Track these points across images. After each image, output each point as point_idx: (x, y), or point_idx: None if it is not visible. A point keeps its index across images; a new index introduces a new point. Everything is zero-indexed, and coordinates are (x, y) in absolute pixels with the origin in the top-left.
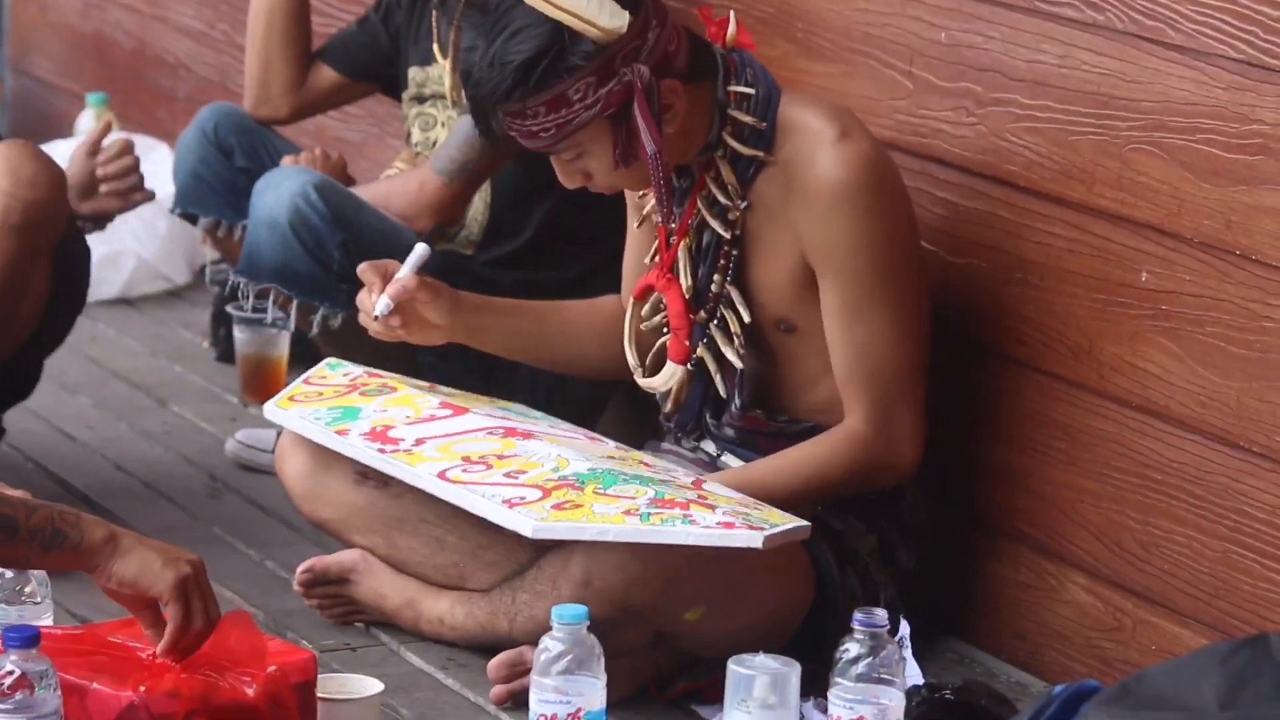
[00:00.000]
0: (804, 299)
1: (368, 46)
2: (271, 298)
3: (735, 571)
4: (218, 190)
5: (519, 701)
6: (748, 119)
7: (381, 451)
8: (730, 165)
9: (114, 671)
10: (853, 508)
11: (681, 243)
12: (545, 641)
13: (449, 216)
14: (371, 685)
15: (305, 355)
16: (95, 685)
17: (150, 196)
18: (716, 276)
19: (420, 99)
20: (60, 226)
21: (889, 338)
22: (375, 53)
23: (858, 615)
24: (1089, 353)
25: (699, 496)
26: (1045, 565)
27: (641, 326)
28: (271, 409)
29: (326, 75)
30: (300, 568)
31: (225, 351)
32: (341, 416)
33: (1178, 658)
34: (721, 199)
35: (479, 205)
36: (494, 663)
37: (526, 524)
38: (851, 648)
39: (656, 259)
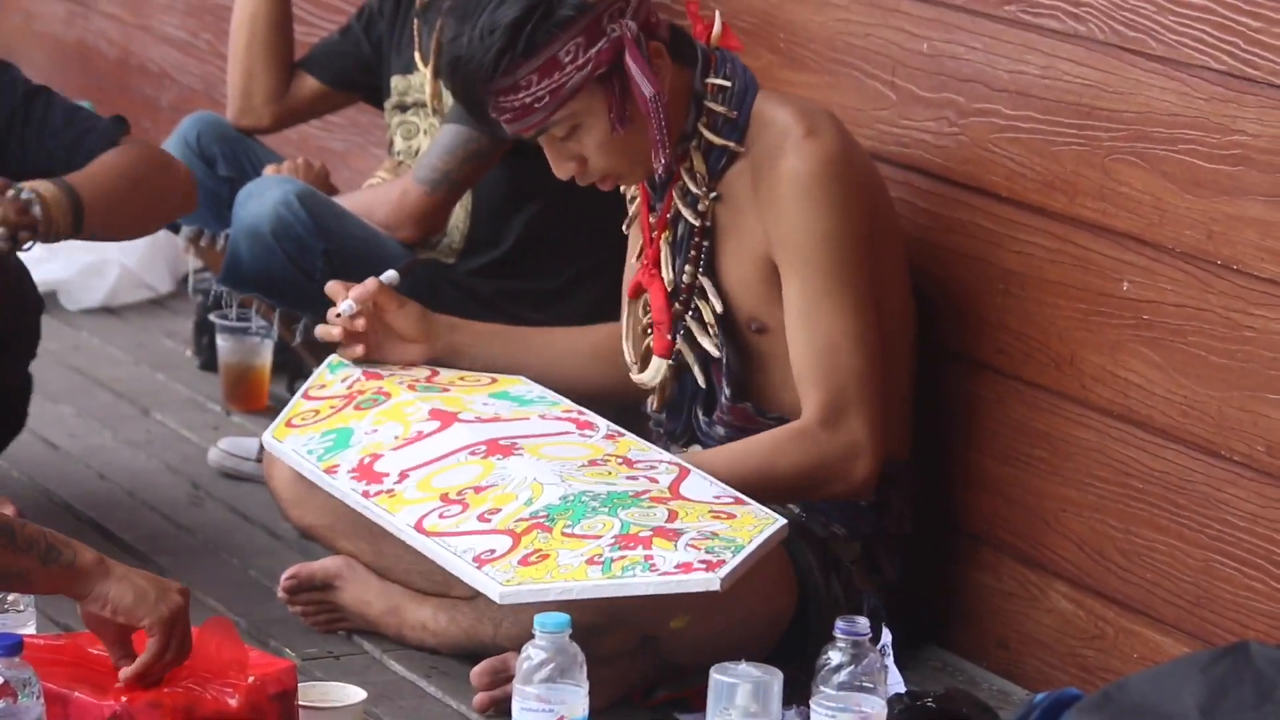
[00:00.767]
0: (772, 297)
1: (350, 55)
2: (254, 306)
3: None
4: (201, 199)
5: (502, 709)
6: (721, 109)
7: (366, 495)
8: (703, 155)
9: (96, 681)
10: (837, 515)
11: (662, 236)
12: (528, 649)
13: (431, 225)
14: (354, 693)
15: (288, 364)
16: (77, 694)
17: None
18: (689, 268)
19: (403, 107)
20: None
21: (844, 337)
22: (357, 61)
23: (840, 623)
24: (1071, 362)
25: (668, 517)
26: (1027, 574)
27: (645, 326)
28: (269, 441)
29: (309, 84)
30: (284, 574)
31: (208, 360)
32: (334, 447)
33: (1159, 666)
34: (693, 188)
35: (460, 214)
36: (477, 670)
37: (494, 589)
38: (834, 656)
39: (641, 256)
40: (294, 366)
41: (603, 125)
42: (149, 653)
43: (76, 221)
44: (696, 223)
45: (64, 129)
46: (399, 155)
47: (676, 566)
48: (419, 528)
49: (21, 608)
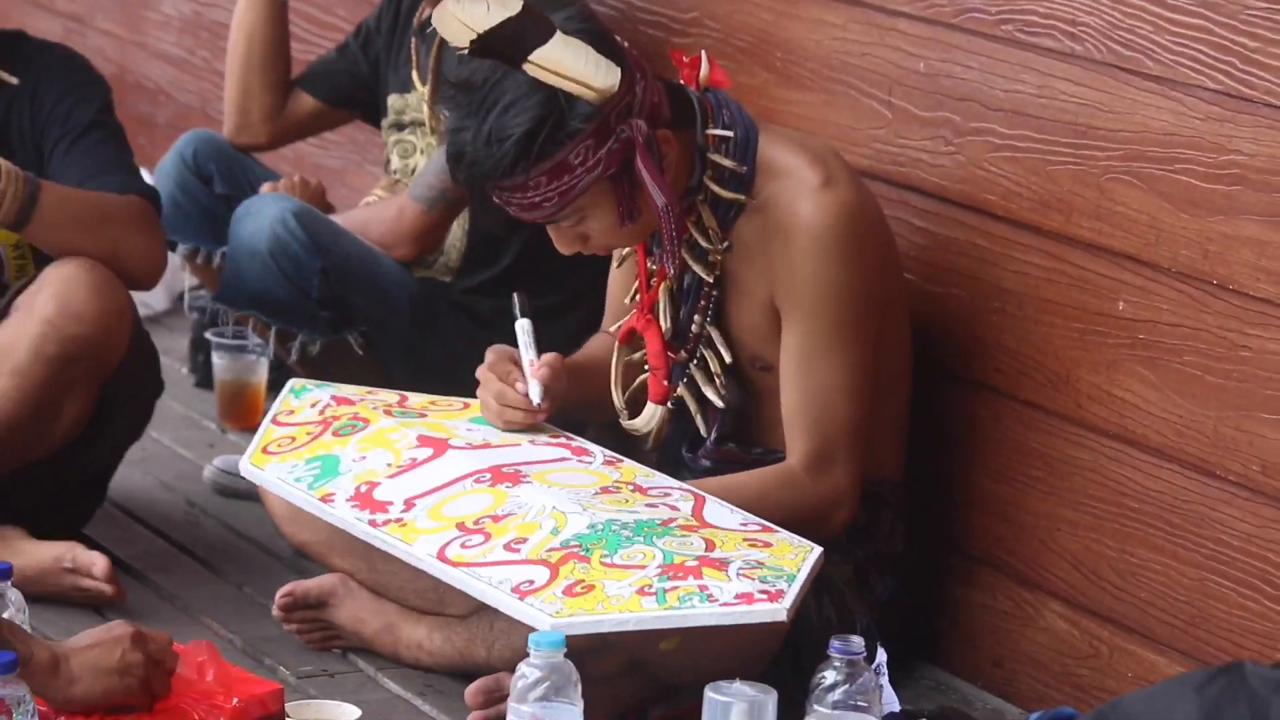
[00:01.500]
0: (776, 338)
1: (347, 74)
2: (250, 324)
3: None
4: (197, 217)
5: None
6: (728, 163)
7: (374, 524)
8: (711, 209)
9: None
10: (828, 545)
11: (662, 285)
12: (522, 668)
13: (428, 244)
14: (349, 712)
15: (283, 382)
16: (62, 717)
17: None
18: (697, 317)
19: (399, 126)
20: (110, 360)
21: (839, 388)
22: (354, 80)
23: (835, 642)
24: (1067, 382)
25: (707, 546)
26: (1022, 593)
27: (641, 368)
28: (248, 469)
29: (306, 102)
30: (280, 592)
31: (204, 378)
32: (321, 474)
33: (1153, 685)
34: (703, 242)
35: (458, 232)
36: (471, 689)
37: (545, 621)
38: (828, 675)
39: (637, 299)
40: None
41: (611, 218)
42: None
43: (22, 214)
44: (708, 276)
45: (94, 162)
46: (395, 173)
47: (737, 597)
48: (442, 558)
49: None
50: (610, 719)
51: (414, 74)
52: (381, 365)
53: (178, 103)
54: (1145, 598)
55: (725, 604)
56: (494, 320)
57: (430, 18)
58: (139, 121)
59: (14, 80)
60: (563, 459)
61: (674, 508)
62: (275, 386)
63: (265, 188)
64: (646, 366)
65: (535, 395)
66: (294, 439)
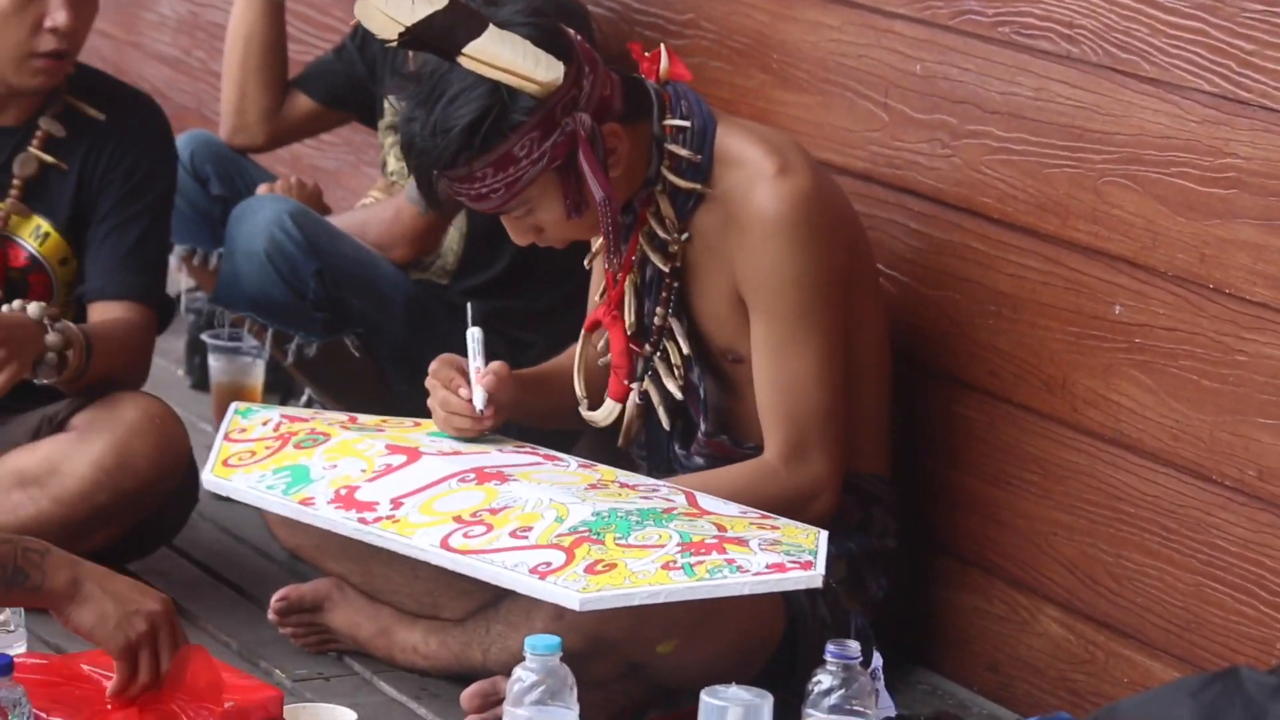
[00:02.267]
0: (744, 330)
1: (344, 75)
2: (246, 326)
3: (707, 603)
4: (193, 218)
5: None
6: (684, 152)
7: (364, 522)
8: (669, 199)
9: (74, 705)
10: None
11: (627, 279)
12: (518, 672)
13: (425, 245)
14: (345, 715)
15: (279, 384)
16: (52, 718)
17: None
18: (659, 309)
19: (396, 127)
20: (157, 504)
21: (809, 377)
22: (351, 81)
23: (830, 646)
24: (1062, 385)
25: (718, 529)
26: (1018, 597)
27: (600, 363)
28: (212, 480)
29: (303, 103)
30: (275, 596)
31: (200, 380)
32: (294, 481)
33: (1149, 691)
34: (661, 233)
35: (454, 235)
36: (467, 693)
37: (572, 598)
38: (824, 679)
39: (605, 295)
40: (285, 386)
41: (558, 209)
42: (117, 676)
43: (78, 374)
44: (666, 267)
45: (128, 257)
46: (392, 175)
47: (769, 567)
48: (446, 547)
49: (12, 628)
50: None
51: None
52: (377, 367)
53: (174, 104)
54: (1141, 603)
55: (758, 573)
56: (490, 323)
57: None
58: None
59: (100, 116)
60: (537, 463)
61: (669, 500)
62: (272, 388)
63: (262, 189)
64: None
65: (479, 401)
66: (254, 453)
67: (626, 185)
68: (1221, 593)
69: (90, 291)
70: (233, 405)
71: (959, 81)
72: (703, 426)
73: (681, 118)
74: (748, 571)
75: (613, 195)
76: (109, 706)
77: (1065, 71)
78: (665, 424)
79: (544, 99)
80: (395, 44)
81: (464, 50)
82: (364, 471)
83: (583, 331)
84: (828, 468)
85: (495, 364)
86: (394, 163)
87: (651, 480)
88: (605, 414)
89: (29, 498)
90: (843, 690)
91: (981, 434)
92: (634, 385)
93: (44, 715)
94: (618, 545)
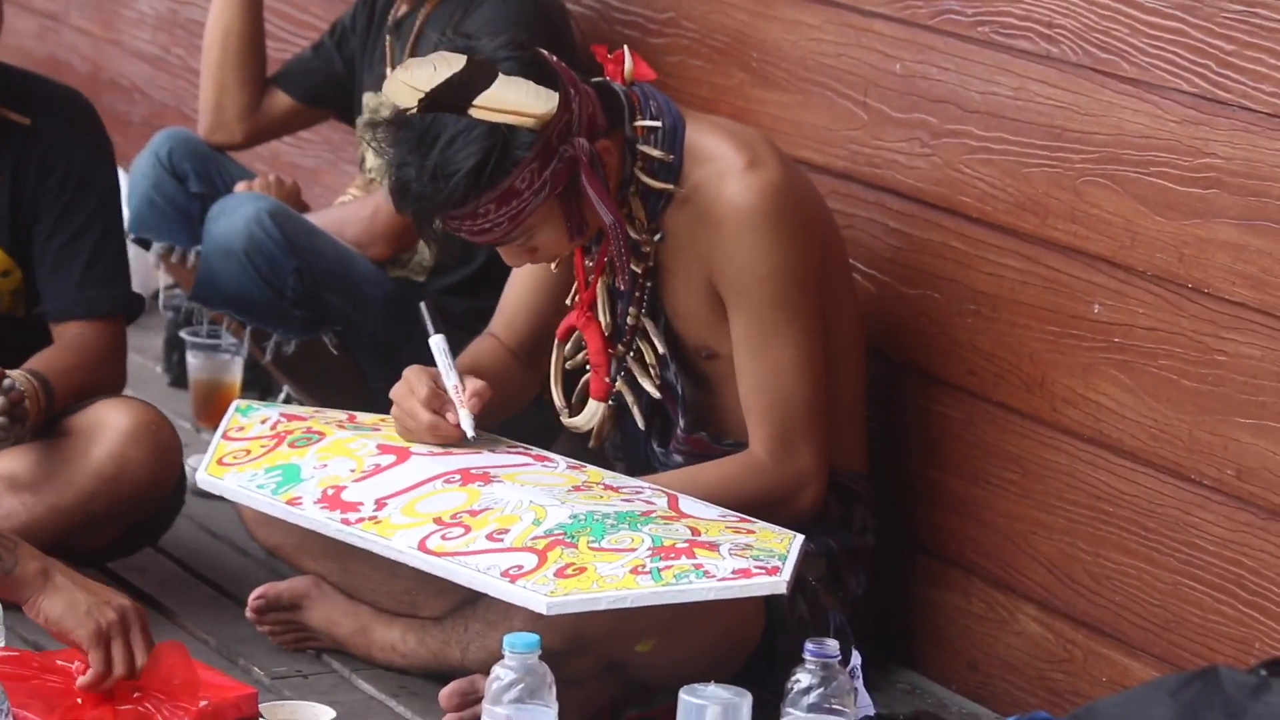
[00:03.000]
0: (720, 325)
1: (322, 72)
2: (225, 323)
3: (685, 602)
4: (172, 216)
5: None
6: (656, 153)
7: (346, 523)
8: (641, 200)
9: (47, 699)
10: (801, 533)
11: (600, 280)
12: (497, 670)
13: (403, 243)
14: (323, 713)
15: (258, 381)
16: (23, 713)
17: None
18: (632, 309)
19: (375, 124)
20: (147, 512)
21: (790, 369)
22: (329, 78)
23: (809, 645)
24: (1041, 385)
25: (691, 533)
26: (997, 596)
27: (566, 366)
28: (205, 479)
29: (281, 101)
30: (253, 594)
31: (178, 377)
32: (284, 481)
33: (1128, 690)
34: (633, 234)
35: None
36: (446, 691)
37: (540, 602)
38: (803, 678)
39: (577, 298)
40: (264, 383)
41: (560, 232)
42: (91, 669)
43: (38, 424)
44: (638, 267)
45: (87, 269)
46: (370, 172)
47: (734, 572)
48: (423, 549)
49: None
50: None
51: (388, 72)
52: (356, 364)
53: (153, 101)
54: (1120, 602)
55: (723, 579)
56: (467, 320)
57: (405, 14)
58: (114, 119)
59: (25, 121)
60: (526, 464)
61: (649, 502)
62: (250, 386)
63: (240, 186)
64: (588, 366)
65: (469, 428)
66: (249, 451)
67: (617, 209)
68: (1200, 592)
69: (53, 312)
70: (234, 403)
71: (938, 81)
72: (681, 424)
73: (651, 118)
74: (713, 576)
75: (620, 218)
76: (79, 701)
77: (1045, 71)
78: (640, 423)
79: (541, 130)
80: (414, 111)
81: (475, 102)
82: (353, 471)
83: (556, 340)
84: (814, 459)
85: (478, 386)
86: (372, 160)
87: (637, 482)
88: (587, 417)
89: (21, 504)
90: (822, 689)
91: (960, 433)
92: (612, 384)
93: (19, 710)
94: (590, 549)
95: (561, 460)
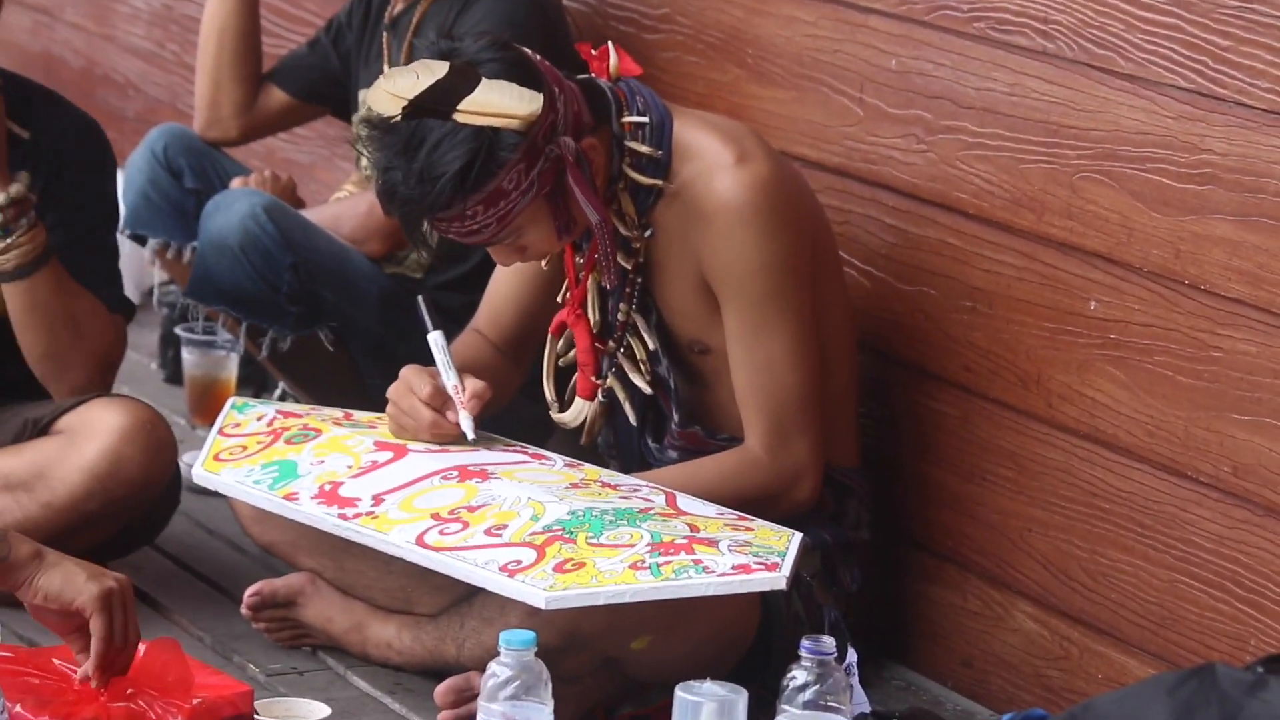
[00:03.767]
0: (712, 320)
1: (318, 68)
2: (220, 320)
3: (680, 600)
4: (167, 212)
5: None
6: (644, 149)
7: (344, 518)
8: (630, 196)
9: (40, 696)
10: (796, 527)
11: (590, 277)
12: (493, 667)
13: (398, 240)
14: (318, 710)
15: (253, 377)
16: (17, 709)
17: None
18: (623, 305)
19: (371, 122)
20: (143, 508)
21: (784, 362)
22: (325, 74)
23: (805, 643)
24: (1037, 381)
25: (690, 529)
26: (992, 593)
27: (559, 363)
28: (202, 475)
29: (277, 97)
30: (248, 591)
31: (174, 373)
32: (280, 476)
33: (1125, 687)
34: (623, 230)
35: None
36: (441, 688)
37: (538, 597)
38: (799, 675)
39: (568, 295)
40: (259, 380)
41: (548, 231)
42: (96, 636)
43: (20, 271)
44: (628, 264)
45: (85, 274)
46: (366, 169)
47: (734, 568)
48: (421, 544)
49: None
50: (580, 717)
51: (385, 68)
52: (351, 361)
53: (147, 96)
54: (1116, 599)
55: (723, 574)
56: (463, 317)
57: (401, 11)
58: (108, 115)
59: (24, 134)
60: (523, 462)
61: (648, 500)
62: (245, 382)
63: (235, 182)
64: (572, 360)
65: (469, 430)
66: (245, 448)
67: (604, 207)
68: (1196, 589)
69: None
70: (230, 400)
71: (934, 77)
72: (675, 419)
73: (638, 114)
74: (713, 572)
75: (606, 216)
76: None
77: (1041, 67)
78: (632, 419)
79: (526, 131)
80: (399, 118)
81: (459, 106)
82: (350, 468)
83: (549, 335)
84: (809, 451)
85: (478, 387)
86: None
87: (634, 480)
88: (575, 414)
89: (16, 502)
90: (818, 686)
91: (956, 429)
92: (600, 382)
93: (12, 706)
94: (589, 544)
95: (559, 458)
